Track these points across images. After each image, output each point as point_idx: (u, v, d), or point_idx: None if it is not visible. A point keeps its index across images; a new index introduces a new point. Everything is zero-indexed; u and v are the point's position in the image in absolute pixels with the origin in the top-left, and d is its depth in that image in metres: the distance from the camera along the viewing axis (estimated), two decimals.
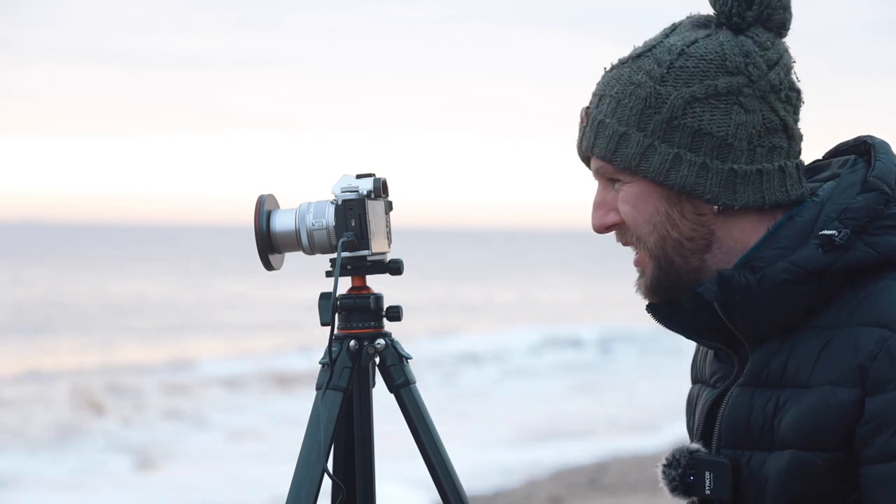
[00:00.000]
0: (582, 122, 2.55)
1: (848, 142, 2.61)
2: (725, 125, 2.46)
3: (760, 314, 2.45)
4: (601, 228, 2.54)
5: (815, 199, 2.50)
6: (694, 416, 2.63)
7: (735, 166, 2.46)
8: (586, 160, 2.56)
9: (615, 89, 2.50)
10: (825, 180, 2.55)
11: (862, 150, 2.57)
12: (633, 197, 2.50)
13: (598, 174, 2.53)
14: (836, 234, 2.42)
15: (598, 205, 2.54)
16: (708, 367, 2.62)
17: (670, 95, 2.46)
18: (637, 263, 2.54)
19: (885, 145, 2.54)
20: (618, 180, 2.51)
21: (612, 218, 2.53)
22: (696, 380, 2.69)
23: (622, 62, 2.53)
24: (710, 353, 2.62)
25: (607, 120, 2.49)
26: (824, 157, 2.63)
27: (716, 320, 2.50)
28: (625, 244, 2.55)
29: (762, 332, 2.47)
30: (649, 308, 2.57)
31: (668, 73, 2.47)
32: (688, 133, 2.46)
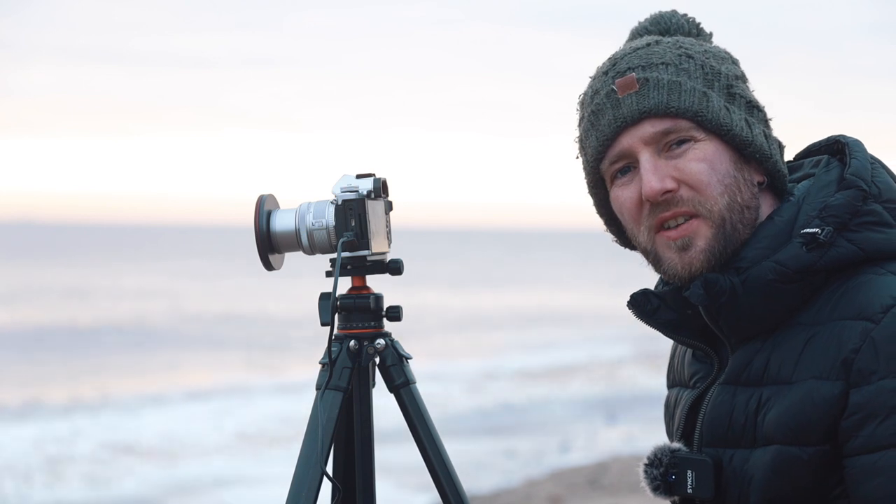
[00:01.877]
0: (629, 87, 2.48)
1: (820, 142, 2.64)
2: (759, 103, 2.54)
3: (745, 315, 2.46)
4: (660, 193, 2.46)
5: (791, 198, 2.52)
6: (674, 418, 2.62)
7: (778, 140, 2.55)
8: (616, 132, 2.48)
9: (667, 57, 2.50)
10: (798, 181, 2.57)
11: (834, 149, 2.59)
12: (710, 155, 2.47)
13: (653, 140, 2.47)
14: (820, 231, 2.43)
15: (655, 169, 2.47)
16: (687, 369, 2.62)
17: (721, 67, 2.51)
18: (683, 233, 2.47)
19: (858, 143, 2.56)
20: (687, 139, 2.47)
21: (669, 183, 2.47)
22: (673, 384, 2.69)
23: (648, 44, 2.53)
24: (688, 354, 2.62)
25: (683, 80, 2.48)
26: (795, 158, 2.66)
27: (698, 319, 2.51)
28: (671, 216, 2.48)
29: (746, 333, 2.48)
30: (631, 304, 2.57)
31: (707, 52, 2.52)
32: (743, 102, 2.51)
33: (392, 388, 2.99)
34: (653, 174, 2.46)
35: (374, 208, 2.93)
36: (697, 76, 2.48)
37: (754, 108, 2.51)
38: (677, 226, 2.48)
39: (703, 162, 2.46)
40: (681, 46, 2.51)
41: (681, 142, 2.47)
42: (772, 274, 2.43)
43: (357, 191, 2.92)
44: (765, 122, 2.53)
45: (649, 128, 2.47)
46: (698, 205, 2.46)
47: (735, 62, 2.55)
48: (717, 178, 2.46)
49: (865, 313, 2.38)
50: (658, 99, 2.46)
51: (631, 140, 2.49)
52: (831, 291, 2.44)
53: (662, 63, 2.48)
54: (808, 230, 2.44)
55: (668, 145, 2.47)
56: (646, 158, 2.48)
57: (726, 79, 2.49)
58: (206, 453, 15.89)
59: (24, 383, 22.41)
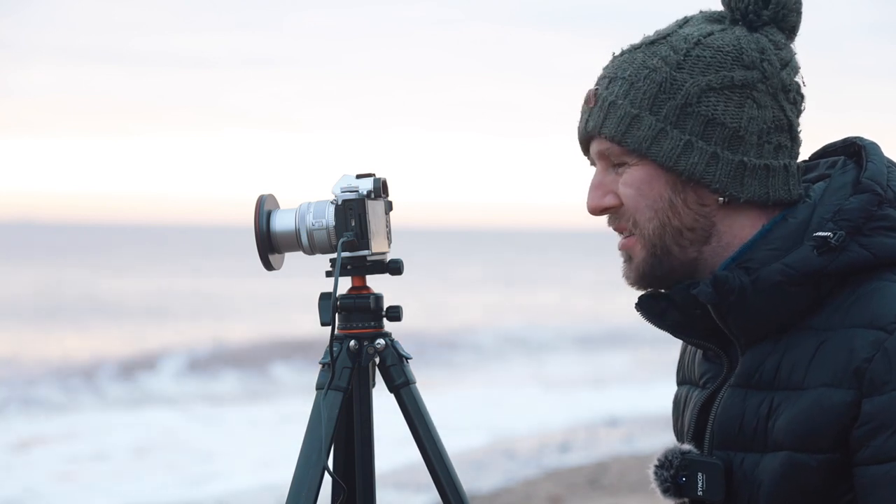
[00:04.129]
0: (588, 102, 2.54)
1: (836, 143, 2.62)
2: (738, 117, 2.46)
3: (754, 315, 2.45)
4: (597, 210, 2.54)
5: (806, 200, 2.50)
6: (682, 417, 2.62)
7: (745, 159, 2.47)
8: (586, 142, 2.55)
9: (628, 72, 2.50)
10: (813, 181, 2.55)
11: (850, 151, 2.58)
12: (638, 180, 2.49)
13: (602, 156, 2.52)
14: (831, 235, 2.42)
15: (596, 186, 2.53)
16: (697, 368, 2.61)
17: (686, 82, 2.46)
18: (622, 247, 2.53)
19: (875, 146, 2.55)
20: (623, 163, 2.50)
21: (609, 200, 2.52)
22: (682, 381, 2.68)
23: (634, 47, 2.53)
24: (699, 353, 2.62)
25: (619, 101, 2.48)
26: (811, 158, 2.64)
27: (707, 319, 2.50)
28: (616, 229, 2.54)
29: (755, 333, 2.47)
30: (639, 306, 2.56)
31: (684, 60, 2.47)
32: (701, 121, 2.46)
33: (392, 388, 3.00)
34: (593, 190, 2.53)
35: (374, 208, 2.94)
36: (642, 96, 2.47)
37: (717, 126, 2.46)
38: (626, 237, 2.52)
39: (631, 187, 2.49)
40: (653, 55, 2.49)
41: (617, 164, 2.51)
42: (780, 276, 2.42)
43: (357, 191, 2.92)
44: (729, 139, 2.46)
45: (596, 145, 2.53)
46: (633, 226, 2.51)
47: (731, 68, 2.47)
48: (645, 202, 2.49)
49: (878, 322, 2.37)
50: (596, 121, 2.51)
51: (593, 150, 2.54)
52: (844, 296, 2.42)
53: (620, 78, 2.50)
54: (820, 233, 2.43)
55: (613, 164, 2.51)
56: (595, 172, 2.54)
57: (686, 96, 2.46)
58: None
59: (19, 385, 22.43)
